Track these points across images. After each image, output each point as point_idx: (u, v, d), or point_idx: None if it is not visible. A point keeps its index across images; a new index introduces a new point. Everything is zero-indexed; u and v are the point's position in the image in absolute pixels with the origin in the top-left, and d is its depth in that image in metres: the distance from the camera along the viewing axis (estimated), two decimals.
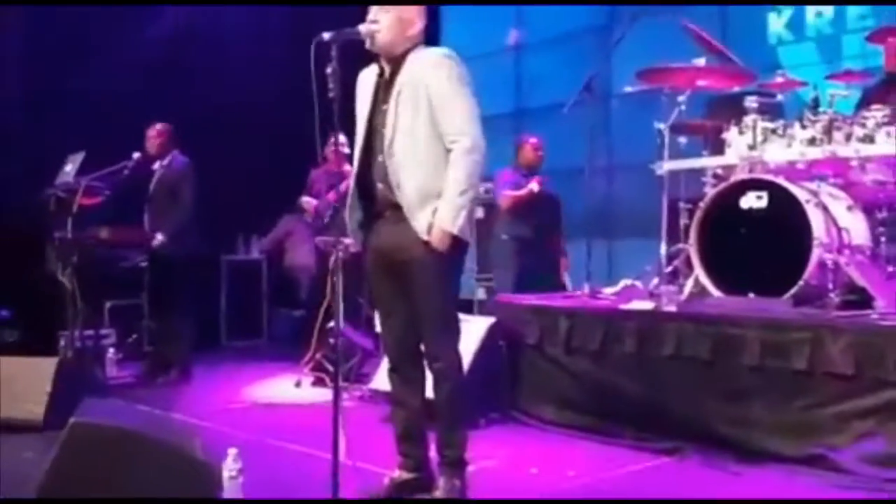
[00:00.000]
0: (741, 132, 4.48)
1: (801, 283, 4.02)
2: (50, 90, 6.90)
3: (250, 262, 8.33)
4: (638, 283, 4.90)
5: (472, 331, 4.39)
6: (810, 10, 6.81)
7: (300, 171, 6.23)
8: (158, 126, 6.04)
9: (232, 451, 2.99)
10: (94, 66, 7.00)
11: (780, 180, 4.20)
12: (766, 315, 3.87)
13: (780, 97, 4.87)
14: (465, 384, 3.37)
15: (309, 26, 3.14)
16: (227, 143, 7.37)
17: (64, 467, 2.62)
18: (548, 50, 8.40)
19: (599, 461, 3.83)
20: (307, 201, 6.23)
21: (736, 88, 4.95)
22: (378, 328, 3.56)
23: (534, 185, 6.13)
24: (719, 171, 4.69)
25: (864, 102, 4.53)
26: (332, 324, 5.11)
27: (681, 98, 4.66)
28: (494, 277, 6.37)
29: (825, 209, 4.16)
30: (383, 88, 3.20)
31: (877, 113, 4.14)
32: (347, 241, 3.29)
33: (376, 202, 3.19)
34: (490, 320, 4.64)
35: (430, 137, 3.10)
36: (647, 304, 4.32)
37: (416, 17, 3.18)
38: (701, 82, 4.74)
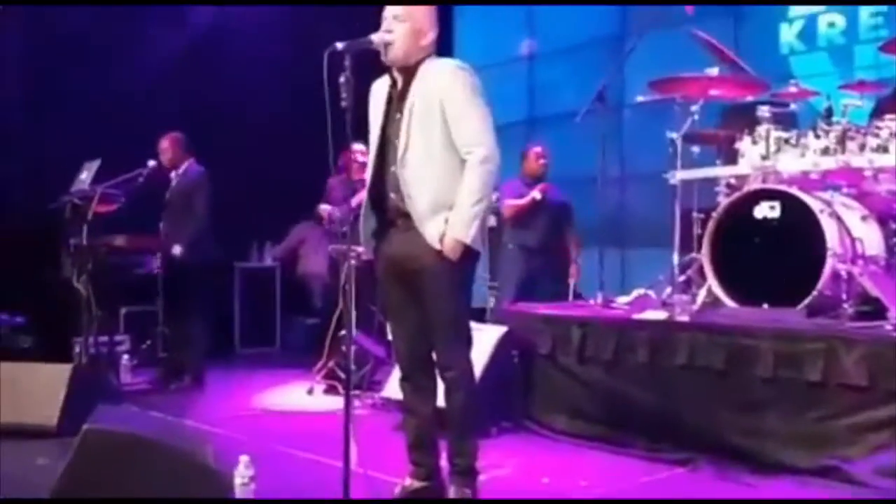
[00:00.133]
0: (754, 142, 4.47)
1: (814, 293, 4.01)
2: (50, 90, 6.92)
3: (264, 269, 8.35)
4: (651, 293, 4.89)
5: (485, 340, 4.39)
6: (822, 20, 6.78)
7: (313, 179, 6.23)
8: (168, 137, 6.05)
9: (244, 459, 3.00)
10: (94, 66, 7.00)
11: (794, 190, 4.19)
12: (780, 325, 3.86)
13: (793, 107, 4.85)
14: (477, 393, 3.37)
15: (323, 33, 3.16)
16: (240, 150, 7.37)
17: (77, 473, 2.64)
18: (560, 59, 8.40)
19: (612, 472, 3.82)
20: (323, 208, 6.24)
21: (749, 98, 4.94)
22: (390, 336, 3.57)
23: (536, 194, 6.13)
24: (732, 181, 4.67)
25: (878, 112, 4.51)
26: (344, 332, 5.13)
27: (694, 107, 4.66)
28: (498, 286, 6.38)
29: (839, 219, 4.15)
30: (396, 99, 3.22)
31: (890, 123, 4.12)
32: (360, 249, 3.30)
33: (388, 211, 3.21)
34: (502, 329, 4.63)
35: (444, 149, 3.11)
36: (660, 314, 4.31)
37: (428, 27, 3.19)
38: (714, 92, 4.73)
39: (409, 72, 3.18)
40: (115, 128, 6.47)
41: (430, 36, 3.20)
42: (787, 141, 4.39)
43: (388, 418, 4.47)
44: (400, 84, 3.21)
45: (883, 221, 4.34)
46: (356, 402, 4.82)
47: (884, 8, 6.32)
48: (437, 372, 3.26)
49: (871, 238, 4.27)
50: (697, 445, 3.85)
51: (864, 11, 6.50)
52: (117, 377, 5.82)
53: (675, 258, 4.55)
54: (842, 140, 4.21)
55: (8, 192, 6.43)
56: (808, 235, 4.06)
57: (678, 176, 4.62)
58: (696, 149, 4.80)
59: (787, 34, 7.00)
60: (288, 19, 8.08)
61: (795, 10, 6.93)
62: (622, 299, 5.01)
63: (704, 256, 4.41)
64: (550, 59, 8.65)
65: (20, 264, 6.07)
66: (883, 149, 4.10)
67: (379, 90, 3.30)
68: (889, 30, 6.06)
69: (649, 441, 4.02)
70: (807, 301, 4.01)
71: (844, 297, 3.98)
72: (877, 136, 4.13)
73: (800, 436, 3.60)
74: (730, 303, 4.29)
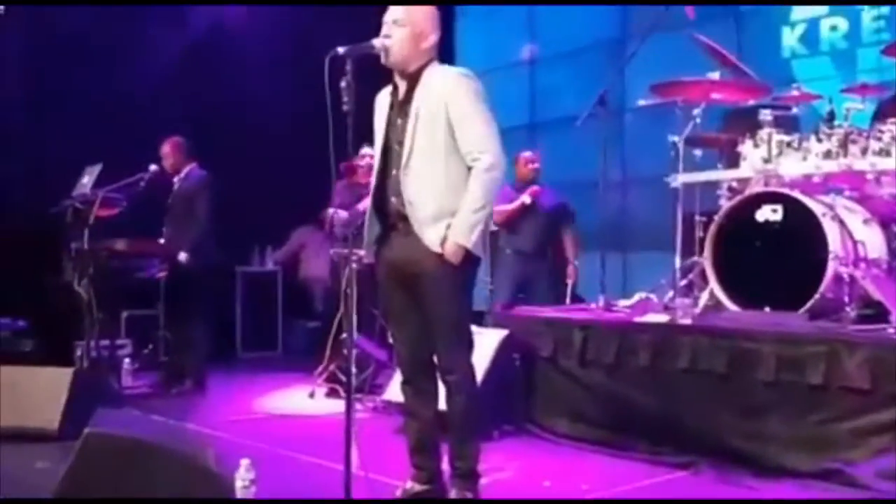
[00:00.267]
0: (756, 145, 4.47)
1: (816, 296, 4.00)
2: (51, 91, 6.92)
3: (265, 273, 8.36)
4: (653, 296, 4.88)
5: (486, 343, 4.39)
6: (824, 24, 6.79)
7: (315, 183, 6.21)
8: (170, 141, 6.04)
9: (245, 462, 3.00)
10: (95, 67, 6.99)
11: (796, 193, 4.19)
12: (782, 329, 3.85)
13: (795, 110, 4.85)
14: (479, 396, 3.37)
15: (324, 34, 3.15)
16: (241, 154, 7.37)
17: (78, 477, 2.63)
18: (562, 64, 8.41)
19: (613, 475, 3.81)
20: (330, 212, 6.22)
21: (751, 101, 4.94)
22: (391, 339, 3.57)
23: (525, 198, 6.14)
24: (734, 185, 4.67)
25: (880, 116, 4.51)
26: (345, 335, 5.13)
27: (695, 111, 4.66)
28: (493, 289, 6.39)
29: (841, 222, 4.14)
30: (399, 105, 3.22)
31: (893, 126, 4.12)
32: (361, 252, 3.30)
33: (390, 216, 3.21)
34: (504, 332, 4.63)
35: (449, 156, 3.11)
36: (661, 317, 4.31)
37: (430, 31, 3.19)
38: (715, 95, 4.73)
39: (412, 77, 3.18)
40: (116, 128, 6.47)
41: (432, 39, 3.19)
42: (789, 144, 4.39)
43: (389, 422, 4.47)
44: (402, 89, 3.21)
45: (885, 225, 4.33)
46: (357, 406, 4.81)
47: (886, 11, 6.32)
48: (438, 375, 3.26)
49: (873, 241, 4.27)
50: (699, 449, 3.85)
51: (867, 15, 6.50)
52: (119, 381, 5.82)
53: (677, 261, 4.55)
54: (844, 143, 4.21)
55: (9, 193, 6.43)
56: (810, 239, 4.06)
57: (680, 179, 4.62)
58: (697, 152, 4.80)
59: (789, 38, 7.00)
60: (288, 19, 8.09)
61: (797, 14, 6.94)
62: (624, 303, 5.00)
63: (706, 260, 4.41)
64: (552, 63, 8.66)
65: (21, 268, 6.08)
66: (885, 152, 4.10)
67: (383, 98, 3.30)
68: (891, 33, 6.06)
69: (651, 444, 4.02)
70: (809, 304, 4.00)
71: (847, 300, 3.97)
72: (879, 139, 4.13)
73: (802, 439, 3.60)
74: (732, 306, 4.28)
